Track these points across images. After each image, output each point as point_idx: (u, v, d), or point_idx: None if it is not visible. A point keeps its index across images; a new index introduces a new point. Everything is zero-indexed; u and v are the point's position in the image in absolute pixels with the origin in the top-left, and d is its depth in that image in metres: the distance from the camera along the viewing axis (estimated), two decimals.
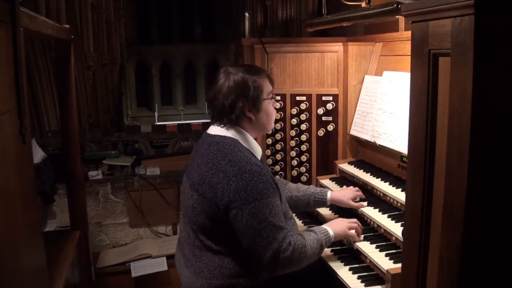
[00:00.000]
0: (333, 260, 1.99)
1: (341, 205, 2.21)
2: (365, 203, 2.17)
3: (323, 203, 2.22)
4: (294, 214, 2.18)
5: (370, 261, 1.87)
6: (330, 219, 2.22)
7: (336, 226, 1.96)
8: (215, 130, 1.86)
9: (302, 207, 2.25)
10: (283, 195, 1.91)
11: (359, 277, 1.84)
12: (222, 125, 1.84)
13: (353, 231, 1.97)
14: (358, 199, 2.22)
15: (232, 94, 1.79)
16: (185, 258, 1.89)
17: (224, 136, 1.82)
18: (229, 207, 1.68)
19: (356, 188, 2.26)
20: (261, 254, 1.67)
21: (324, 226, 1.96)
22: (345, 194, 2.21)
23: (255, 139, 1.92)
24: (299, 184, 2.28)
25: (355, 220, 2.02)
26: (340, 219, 2.06)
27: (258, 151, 1.89)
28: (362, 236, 1.99)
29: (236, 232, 1.70)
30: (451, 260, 1.13)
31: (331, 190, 2.26)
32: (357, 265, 1.92)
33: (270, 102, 1.91)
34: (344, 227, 1.96)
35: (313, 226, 2.35)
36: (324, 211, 2.34)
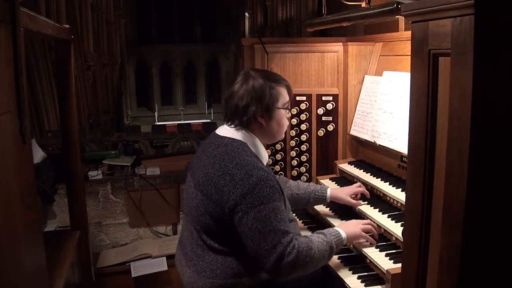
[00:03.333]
0: (333, 260, 1.98)
1: (340, 201, 2.22)
2: (365, 202, 2.17)
3: (323, 200, 2.23)
4: (294, 214, 2.18)
5: (370, 261, 1.87)
6: (329, 218, 2.22)
7: (349, 228, 1.91)
8: (224, 131, 1.86)
9: (302, 204, 2.25)
10: (286, 199, 1.90)
11: (359, 277, 1.83)
12: (232, 126, 1.84)
13: (366, 235, 1.92)
14: (359, 197, 2.22)
15: (247, 97, 1.79)
16: (186, 257, 1.89)
17: (233, 139, 1.81)
18: (234, 210, 1.67)
19: (358, 184, 2.25)
20: (265, 258, 1.66)
21: (336, 228, 1.92)
22: (344, 191, 2.22)
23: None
24: (299, 182, 2.29)
25: (368, 221, 1.98)
26: (354, 220, 2.01)
27: (265, 156, 1.89)
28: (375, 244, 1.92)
29: (241, 235, 1.70)
30: (451, 260, 1.13)
31: (330, 188, 2.26)
32: (357, 265, 1.91)
33: (284, 112, 1.89)
34: (358, 229, 1.92)
35: (313, 226, 2.35)
36: (324, 211, 2.34)
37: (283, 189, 1.80)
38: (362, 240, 1.94)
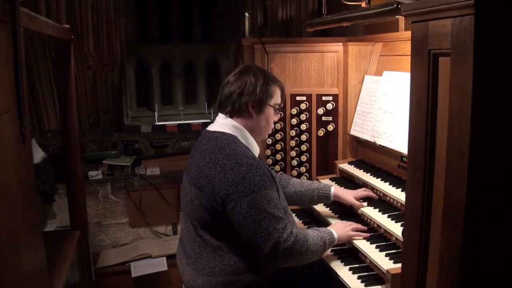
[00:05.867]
0: (333, 260, 1.98)
1: (343, 201, 2.22)
2: (365, 203, 2.17)
3: (327, 198, 2.23)
4: (294, 214, 2.18)
5: (370, 261, 1.87)
6: (330, 218, 2.22)
7: (339, 229, 1.96)
8: (214, 127, 1.89)
9: (306, 202, 2.26)
10: (281, 190, 1.92)
11: (359, 277, 1.83)
12: (225, 114, 1.87)
13: (355, 232, 1.98)
14: (361, 200, 2.21)
15: (243, 85, 1.84)
16: (186, 255, 1.90)
17: (223, 132, 1.84)
18: (226, 200, 1.69)
19: (364, 189, 2.24)
20: (261, 245, 1.68)
21: (328, 228, 1.97)
22: (349, 192, 2.22)
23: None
24: (303, 179, 2.29)
25: (354, 223, 2.04)
26: (341, 222, 2.08)
27: (255, 148, 1.91)
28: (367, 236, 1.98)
29: (236, 224, 1.71)
30: (451, 260, 1.13)
31: (335, 185, 2.26)
32: (357, 265, 1.92)
33: (274, 111, 1.94)
34: (348, 229, 1.98)
35: (314, 226, 2.35)
36: (324, 211, 2.34)
37: (275, 178, 1.82)
38: (353, 233, 1.99)
